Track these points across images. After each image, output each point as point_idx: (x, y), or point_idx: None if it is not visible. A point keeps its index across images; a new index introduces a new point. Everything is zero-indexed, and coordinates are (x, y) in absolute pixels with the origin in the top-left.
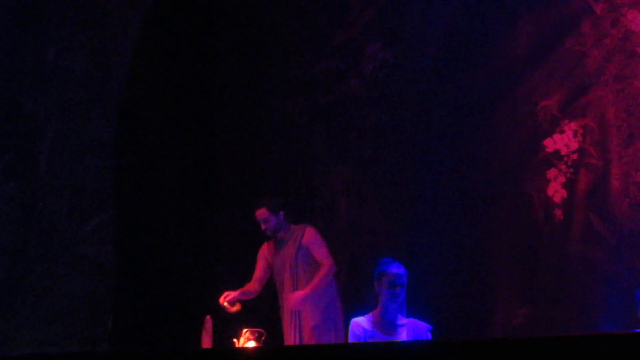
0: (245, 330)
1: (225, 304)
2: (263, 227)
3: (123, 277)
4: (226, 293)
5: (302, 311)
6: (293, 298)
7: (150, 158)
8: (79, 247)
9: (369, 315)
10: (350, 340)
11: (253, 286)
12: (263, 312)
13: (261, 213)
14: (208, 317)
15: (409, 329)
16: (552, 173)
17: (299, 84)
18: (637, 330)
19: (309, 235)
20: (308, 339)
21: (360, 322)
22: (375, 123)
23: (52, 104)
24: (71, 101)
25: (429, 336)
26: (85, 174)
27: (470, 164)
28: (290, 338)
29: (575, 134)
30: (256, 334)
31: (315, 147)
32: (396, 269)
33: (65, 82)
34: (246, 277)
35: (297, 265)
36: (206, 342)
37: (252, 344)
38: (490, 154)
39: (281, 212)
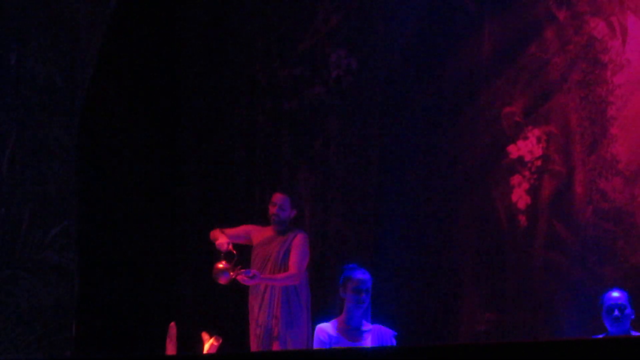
0: (206, 334)
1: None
2: (275, 211)
3: (87, 284)
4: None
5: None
6: (251, 273)
7: (113, 163)
8: (42, 253)
9: (334, 321)
10: (316, 346)
11: (222, 234)
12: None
13: (282, 199)
14: (172, 323)
15: (374, 335)
16: (516, 179)
17: (264, 89)
18: (601, 336)
19: (298, 240)
20: (273, 345)
21: (326, 328)
22: (341, 129)
23: (13, 109)
24: (33, 106)
25: (394, 342)
26: (48, 179)
27: (435, 170)
28: (255, 344)
29: (538, 140)
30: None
31: (280, 152)
32: (361, 275)
33: (27, 86)
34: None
35: (279, 264)
36: (170, 348)
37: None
38: (454, 160)
39: (295, 211)
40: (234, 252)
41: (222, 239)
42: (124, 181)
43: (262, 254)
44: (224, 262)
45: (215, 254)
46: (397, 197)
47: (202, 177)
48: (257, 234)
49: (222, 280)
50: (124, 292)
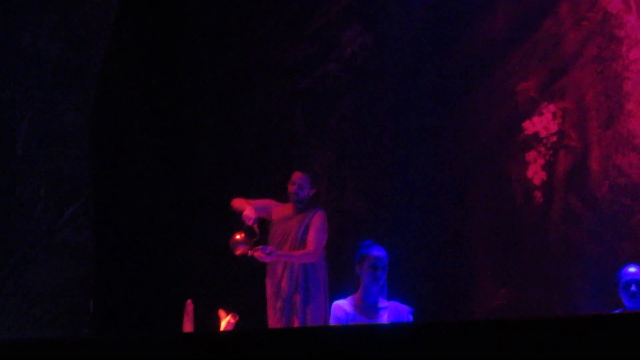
0: (222, 311)
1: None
2: (294, 189)
3: (103, 262)
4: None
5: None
6: (268, 250)
7: (127, 142)
8: (58, 232)
9: (351, 298)
10: (332, 322)
11: (249, 205)
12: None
13: (302, 177)
14: (189, 300)
15: (390, 312)
16: (531, 155)
17: (279, 68)
18: (616, 312)
19: (317, 218)
20: (291, 321)
21: (342, 305)
22: (355, 106)
23: (28, 90)
24: (47, 86)
25: (410, 318)
26: (63, 159)
27: (450, 147)
28: (273, 318)
29: (554, 116)
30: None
31: (295, 131)
32: (377, 252)
33: (41, 67)
34: (227, 260)
35: (298, 242)
36: (187, 326)
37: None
38: (469, 137)
39: (315, 190)
40: (257, 230)
41: (249, 211)
42: (138, 160)
43: (281, 231)
44: (242, 234)
45: (233, 229)
46: (413, 174)
47: (217, 155)
48: (276, 209)
49: (239, 251)
50: (141, 270)
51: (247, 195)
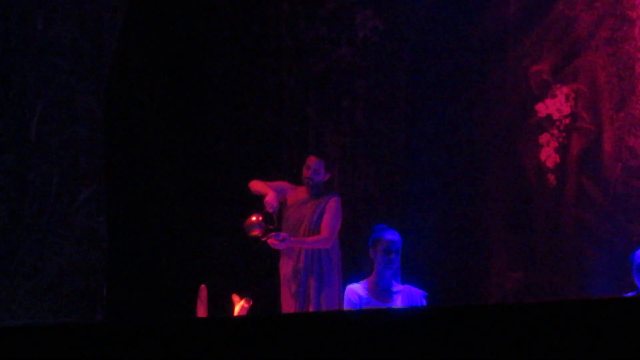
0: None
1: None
2: (309, 174)
3: (117, 247)
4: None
5: (304, 277)
6: (281, 236)
7: (141, 126)
8: (71, 217)
9: (364, 282)
10: (346, 307)
11: (270, 190)
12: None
13: (317, 162)
14: (203, 285)
15: (404, 296)
16: (544, 138)
17: (291, 52)
18: (630, 295)
19: (332, 204)
20: (305, 305)
21: (356, 289)
22: (368, 90)
23: (41, 74)
24: (60, 71)
25: (424, 302)
26: (77, 144)
27: (463, 130)
28: (288, 302)
29: (567, 98)
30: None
31: (307, 115)
32: (391, 236)
33: (54, 51)
34: (241, 244)
35: (312, 227)
36: (201, 311)
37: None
38: (483, 120)
39: (329, 174)
40: (275, 219)
41: (272, 198)
42: (152, 144)
43: (296, 216)
44: (260, 218)
45: (247, 213)
46: (426, 157)
47: (231, 139)
48: (291, 193)
49: (253, 233)
50: (154, 254)
51: (261, 179)
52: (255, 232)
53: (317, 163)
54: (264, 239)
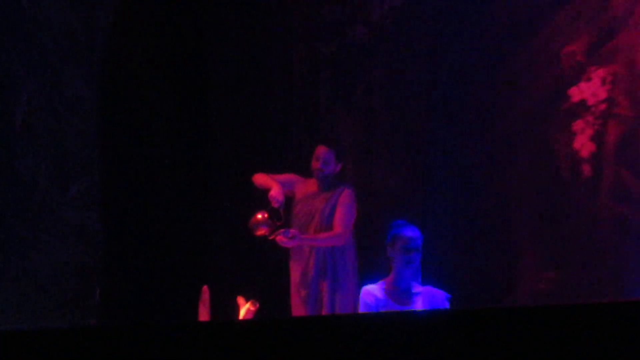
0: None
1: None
2: (318, 165)
3: (111, 245)
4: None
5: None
6: (291, 233)
7: (137, 114)
8: (61, 212)
9: (381, 282)
10: (361, 310)
11: (275, 183)
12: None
13: (326, 152)
14: (205, 287)
15: (425, 298)
16: (578, 125)
17: (301, 32)
18: None
19: (345, 196)
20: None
21: (372, 291)
22: (385, 73)
23: (29, 58)
24: (50, 54)
25: (447, 305)
26: (67, 133)
27: (489, 117)
28: (298, 307)
29: (603, 81)
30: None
31: (319, 100)
32: (410, 232)
33: (42, 33)
34: (246, 242)
35: (324, 222)
36: (203, 314)
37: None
38: (510, 106)
39: (341, 164)
40: (282, 214)
41: (277, 192)
42: (149, 133)
43: (306, 211)
44: (266, 215)
45: (255, 208)
46: (448, 146)
47: (235, 127)
48: (300, 186)
49: (260, 232)
50: (152, 253)
51: (268, 171)
52: (262, 231)
53: (327, 153)
54: (272, 237)
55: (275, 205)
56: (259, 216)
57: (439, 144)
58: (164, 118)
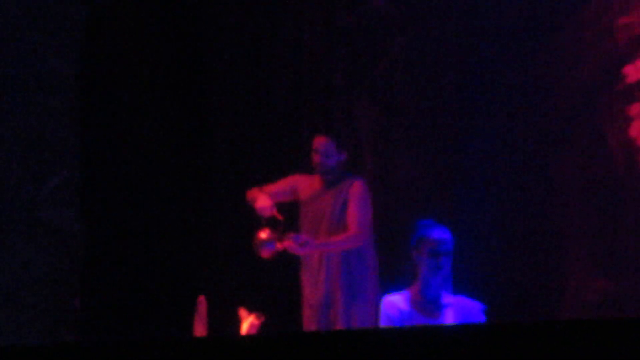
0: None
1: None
2: (318, 159)
3: (92, 249)
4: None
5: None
6: (302, 239)
7: (124, 97)
8: (35, 212)
9: (406, 292)
10: (383, 323)
11: (262, 194)
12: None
13: (325, 143)
14: (201, 297)
15: (456, 310)
16: (634, 109)
17: (313, 2)
18: None
19: (355, 190)
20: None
21: (395, 302)
22: (408, 50)
23: None
24: (22, 28)
25: (482, 318)
26: (43, 119)
27: (530, 101)
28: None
29: None
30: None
31: (333, 81)
32: (439, 234)
33: (14, 3)
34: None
35: (336, 223)
36: (199, 329)
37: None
38: (553, 88)
39: (345, 153)
40: (279, 217)
41: (262, 201)
42: (138, 120)
43: (313, 213)
44: (267, 231)
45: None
46: (482, 136)
47: (238, 113)
48: (304, 185)
49: (266, 254)
50: (140, 259)
51: (273, 166)
52: (268, 252)
53: (326, 144)
54: (280, 245)
55: (266, 214)
56: (262, 235)
57: (473, 131)
58: (157, 101)
